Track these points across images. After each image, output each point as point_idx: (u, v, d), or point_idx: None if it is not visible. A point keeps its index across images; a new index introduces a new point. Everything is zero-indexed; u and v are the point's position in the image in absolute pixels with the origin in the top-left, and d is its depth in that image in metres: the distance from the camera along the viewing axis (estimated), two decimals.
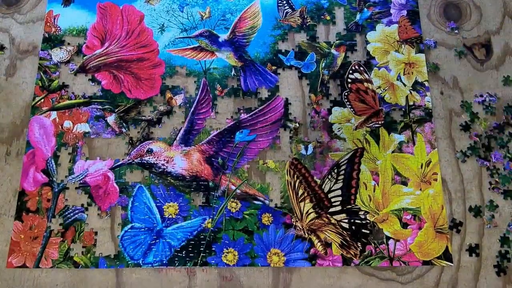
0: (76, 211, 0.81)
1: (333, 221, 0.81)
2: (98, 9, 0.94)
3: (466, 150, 0.86)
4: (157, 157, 0.84)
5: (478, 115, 0.89)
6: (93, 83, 0.89)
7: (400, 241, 0.81)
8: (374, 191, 0.83)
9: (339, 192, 0.83)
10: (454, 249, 0.81)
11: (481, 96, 0.90)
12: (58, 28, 0.92)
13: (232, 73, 0.91)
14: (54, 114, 0.86)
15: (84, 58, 0.90)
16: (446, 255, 0.80)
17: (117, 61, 0.90)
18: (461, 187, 0.85)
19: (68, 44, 0.91)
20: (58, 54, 0.90)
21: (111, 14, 0.93)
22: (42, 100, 0.87)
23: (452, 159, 0.86)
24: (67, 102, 0.87)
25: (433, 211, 0.82)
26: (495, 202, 0.83)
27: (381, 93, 0.91)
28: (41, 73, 0.88)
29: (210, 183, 0.83)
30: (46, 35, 0.91)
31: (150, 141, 0.85)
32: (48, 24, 0.92)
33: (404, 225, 0.82)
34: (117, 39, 0.92)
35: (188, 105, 0.89)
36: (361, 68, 0.92)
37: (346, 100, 0.90)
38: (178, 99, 0.89)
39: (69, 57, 0.90)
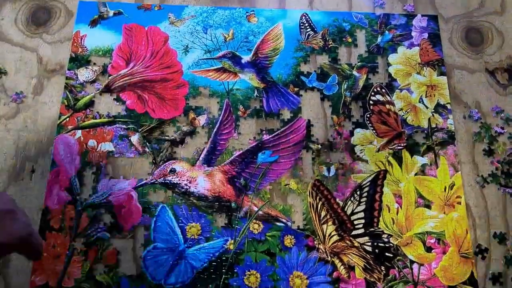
0: (99, 230, 0.81)
1: (356, 244, 0.81)
2: (124, 30, 0.95)
3: (487, 177, 0.86)
4: (180, 177, 0.84)
5: (498, 138, 0.89)
6: (118, 103, 0.90)
7: (424, 265, 0.80)
8: (397, 214, 0.83)
9: (361, 214, 0.83)
10: (479, 275, 0.80)
11: (502, 128, 0.89)
12: (85, 48, 0.94)
13: (255, 94, 0.92)
14: (79, 133, 0.87)
15: (109, 78, 0.92)
16: (472, 281, 0.79)
17: (141, 81, 0.91)
18: (485, 212, 0.84)
19: (94, 64, 0.92)
20: (84, 74, 0.91)
21: (137, 35, 0.95)
22: (68, 119, 0.88)
23: (475, 184, 0.86)
24: (92, 121, 0.88)
25: (457, 235, 0.82)
26: None
27: (403, 115, 0.91)
28: (67, 92, 0.90)
29: (233, 204, 0.83)
30: (73, 55, 0.93)
31: (173, 161, 0.86)
32: (75, 44, 0.94)
33: (428, 249, 0.81)
34: (142, 59, 0.93)
35: (211, 125, 0.89)
36: (383, 90, 0.92)
37: (368, 122, 0.90)
38: (201, 120, 0.89)
39: (94, 77, 0.91)
